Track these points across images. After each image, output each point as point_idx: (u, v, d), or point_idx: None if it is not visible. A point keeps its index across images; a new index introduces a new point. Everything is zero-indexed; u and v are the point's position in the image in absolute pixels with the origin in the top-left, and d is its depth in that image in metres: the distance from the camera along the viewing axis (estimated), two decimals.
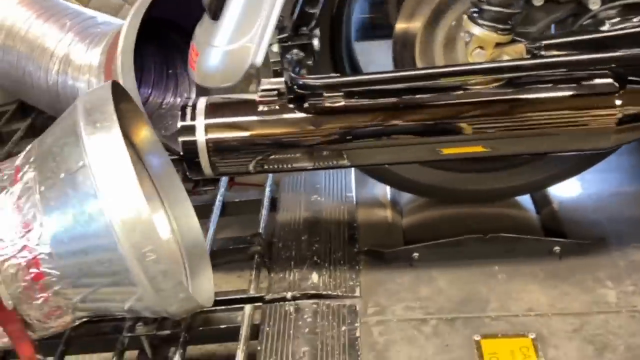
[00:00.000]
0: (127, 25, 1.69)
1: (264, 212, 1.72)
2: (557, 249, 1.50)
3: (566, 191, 1.71)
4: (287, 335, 1.35)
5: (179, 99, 2.24)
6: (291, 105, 1.20)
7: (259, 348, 1.32)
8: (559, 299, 1.41)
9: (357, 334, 1.35)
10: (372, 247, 1.57)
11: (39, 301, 1.18)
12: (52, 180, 1.15)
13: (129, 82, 1.70)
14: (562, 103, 1.22)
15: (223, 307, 1.43)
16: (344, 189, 1.80)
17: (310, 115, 1.19)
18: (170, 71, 2.23)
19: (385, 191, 1.79)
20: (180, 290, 1.19)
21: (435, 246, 1.52)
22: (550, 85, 1.23)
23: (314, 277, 1.50)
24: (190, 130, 1.21)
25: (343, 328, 1.36)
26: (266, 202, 1.75)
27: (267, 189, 1.79)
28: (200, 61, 1.33)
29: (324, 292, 1.45)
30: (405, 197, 1.78)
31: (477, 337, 1.33)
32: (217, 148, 1.21)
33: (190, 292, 1.22)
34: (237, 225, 1.85)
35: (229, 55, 1.29)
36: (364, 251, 1.57)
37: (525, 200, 1.73)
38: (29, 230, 1.15)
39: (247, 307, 1.42)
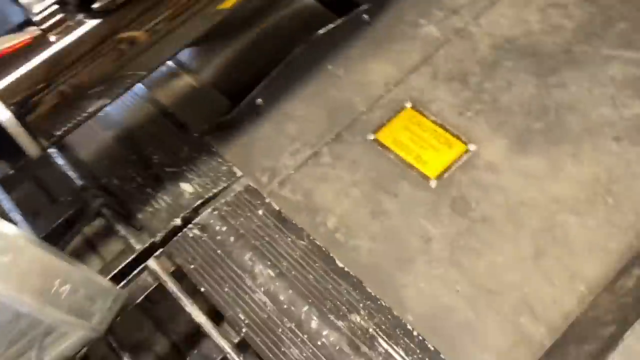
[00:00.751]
0: None
1: (62, 161, 1.37)
2: (365, 16, 1.48)
3: None
4: (219, 256, 1.17)
5: None
6: (84, 15, 0.88)
7: (203, 289, 1.14)
8: (399, 58, 1.42)
9: (276, 207, 1.23)
10: (208, 121, 1.38)
11: None
12: None
13: None
14: None
15: (125, 281, 1.17)
16: None
17: (112, 15, 0.89)
18: None
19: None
20: (109, 296, 0.92)
21: (271, 82, 1.38)
22: None
23: (186, 187, 1.28)
24: None
25: (260, 211, 1.22)
26: (55, 150, 1.38)
27: None
28: None
29: (209, 195, 1.26)
30: (185, 54, 1.55)
31: (370, 137, 1.30)
32: (32, 115, 0.85)
33: (117, 288, 0.96)
34: (30, 198, 1.46)
35: None
36: (207, 130, 1.36)
37: None
38: None
39: (151, 262, 1.18)
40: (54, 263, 0.82)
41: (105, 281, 0.93)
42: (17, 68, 0.85)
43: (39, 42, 0.86)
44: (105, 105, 0.97)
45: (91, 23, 0.89)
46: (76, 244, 1.33)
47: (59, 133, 0.92)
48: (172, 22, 1.00)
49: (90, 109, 0.95)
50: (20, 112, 0.84)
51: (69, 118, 0.92)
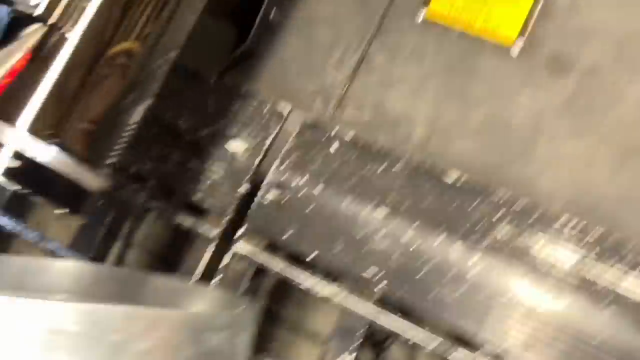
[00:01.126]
0: None
1: None
2: None
3: None
4: (312, 214, 0.99)
5: None
6: None
7: (311, 258, 0.97)
8: None
9: (348, 134, 1.03)
10: (220, 60, 1.13)
11: None
12: None
13: None
14: None
15: (217, 279, 0.99)
16: None
17: None
18: None
19: None
20: (250, 319, 0.75)
21: None
22: None
23: (234, 146, 1.06)
24: (30, 163, 0.60)
25: (333, 147, 1.02)
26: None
27: None
28: None
29: (266, 146, 1.05)
30: None
31: (421, 14, 1.09)
32: (82, 148, 0.63)
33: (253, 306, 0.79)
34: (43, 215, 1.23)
35: None
36: (224, 70, 1.13)
37: None
38: None
39: (238, 246, 0.99)
40: (194, 319, 0.64)
41: (242, 305, 0.76)
42: (33, 92, 0.60)
43: (52, 42, 0.60)
44: (147, 107, 0.74)
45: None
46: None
47: (111, 159, 0.69)
48: None
49: (134, 118, 0.72)
50: (67, 145, 0.62)
51: (116, 135, 0.69)
